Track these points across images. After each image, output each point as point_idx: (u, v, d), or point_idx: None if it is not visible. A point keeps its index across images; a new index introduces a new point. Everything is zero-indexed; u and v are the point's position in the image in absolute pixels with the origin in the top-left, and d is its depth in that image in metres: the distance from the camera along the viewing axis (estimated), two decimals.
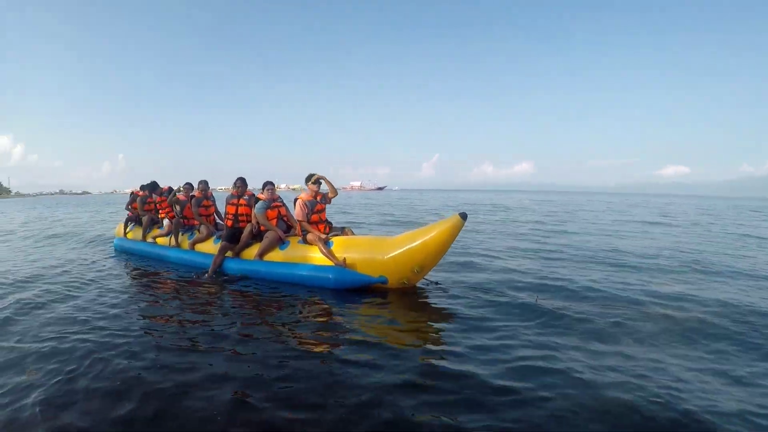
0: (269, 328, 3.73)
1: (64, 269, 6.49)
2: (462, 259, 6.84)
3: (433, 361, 3.03)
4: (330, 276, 4.72)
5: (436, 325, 3.77)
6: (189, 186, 7.02)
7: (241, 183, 5.97)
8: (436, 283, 5.13)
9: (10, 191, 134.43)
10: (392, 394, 2.55)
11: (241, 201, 5.89)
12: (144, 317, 4.12)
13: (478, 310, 4.08)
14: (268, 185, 5.62)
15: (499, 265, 6.34)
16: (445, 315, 4.02)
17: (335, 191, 5.40)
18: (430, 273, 5.11)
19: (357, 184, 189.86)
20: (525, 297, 4.49)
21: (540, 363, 2.94)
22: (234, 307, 4.40)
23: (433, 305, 4.37)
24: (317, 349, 3.28)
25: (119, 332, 3.63)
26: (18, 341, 3.53)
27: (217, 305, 4.49)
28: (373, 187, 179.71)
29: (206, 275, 5.58)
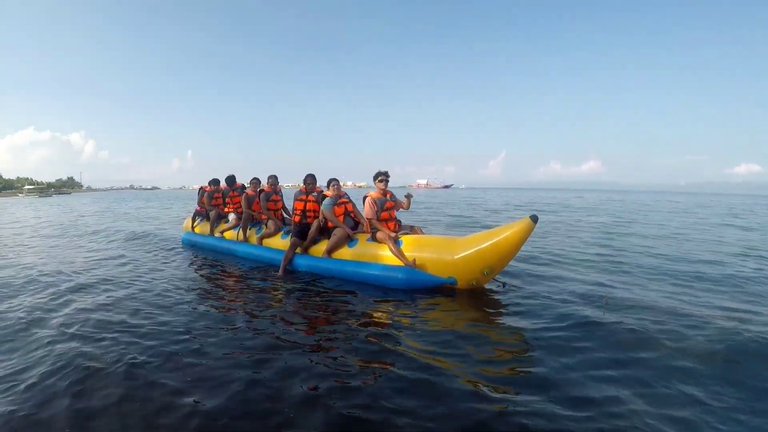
0: (336, 327, 3.74)
1: (131, 261, 6.88)
2: (529, 261, 6.64)
3: (511, 371, 2.90)
4: (400, 276, 4.71)
5: (507, 332, 3.64)
6: (257, 181, 7.27)
7: (310, 179, 6.06)
8: (504, 285, 4.99)
9: (81, 186, 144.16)
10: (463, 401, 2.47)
11: (310, 197, 5.97)
12: (209, 311, 4.21)
13: (545, 316, 3.92)
14: (333, 181, 5.71)
15: (566, 269, 6.10)
16: (514, 321, 3.87)
17: (409, 205, 5.50)
18: (498, 274, 4.97)
19: (423, 182, 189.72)
20: (592, 305, 4.24)
21: (607, 378, 2.77)
22: (301, 304, 4.44)
23: (501, 311, 4.20)
24: (389, 348, 3.23)
25: (182, 326, 3.74)
26: (76, 331, 3.66)
27: (284, 302, 4.55)
28: (439, 186, 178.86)
29: (279, 272, 5.69)
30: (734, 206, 28.22)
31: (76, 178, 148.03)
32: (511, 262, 5.13)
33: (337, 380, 2.74)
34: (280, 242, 6.33)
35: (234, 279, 5.70)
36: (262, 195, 6.75)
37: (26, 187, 71.50)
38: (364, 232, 5.54)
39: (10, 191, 78.08)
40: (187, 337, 3.51)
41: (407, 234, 5.23)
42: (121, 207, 26.74)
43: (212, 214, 7.87)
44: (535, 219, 4.34)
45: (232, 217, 7.50)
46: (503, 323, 3.88)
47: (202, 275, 5.91)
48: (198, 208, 8.56)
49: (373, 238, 5.25)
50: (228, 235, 7.43)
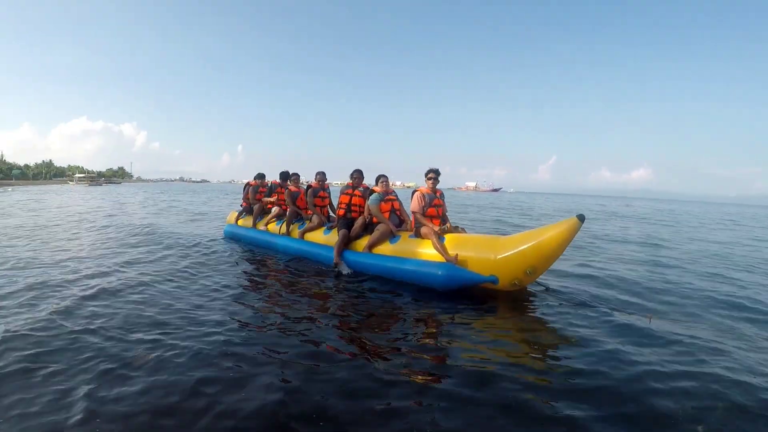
0: (371, 332, 3.63)
1: (174, 251, 7.01)
2: (575, 264, 6.54)
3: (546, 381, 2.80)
4: (440, 272, 4.66)
5: (545, 341, 3.52)
6: (297, 177, 7.45)
7: (357, 174, 6.14)
8: (546, 289, 4.93)
9: (132, 176, 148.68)
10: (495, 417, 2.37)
11: (356, 192, 6.03)
12: (243, 308, 4.14)
13: (588, 326, 3.78)
14: (382, 178, 5.79)
15: (613, 276, 5.92)
16: (554, 328, 3.78)
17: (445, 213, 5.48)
18: (541, 276, 4.95)
19: (472, 184, 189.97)
20: (637, 316, 4.15)
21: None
22: (337, 306, 4.35)
23: (542, 316, 4.14)
24: (430, 359, 3.10)
25: (214, 322, 3.66)
26: (120, 322, 3.62)
27: (320, 302, 4.45)
28: (488, 189, 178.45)
29: (334, 260, 5.69)
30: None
31: (127, 168, 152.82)
32: (558, 263, 5.05)
33: (366, 392, 2.57)
34: (322, 237, 6.37)
35: (272, 274, 5.76)
36: (309, 191, 6.78)
37: (77, 175, 75.00)
38: (407, 230, 5.56)
39: (61, 179, 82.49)
40: (218, 333, 3.41)
41: (451, 233, 5.21)
42: (165, 197, 27.60)
43: (256, 207, 8.01)
44: (582, 218, 4.23)
45: (275, 209, 7.64)
46: (547, 331, 3.77)
47: (241, 269, 5.92)
48: (243, 204, 8.67)
49: (417, 234, 5.24)
50: (271, 228, 7.52)
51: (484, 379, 2.77)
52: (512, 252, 4.50)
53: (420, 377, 2.79)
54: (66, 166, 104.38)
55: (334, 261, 5.68)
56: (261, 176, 8.40)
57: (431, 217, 5.29)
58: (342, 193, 6.13)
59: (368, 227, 5.81)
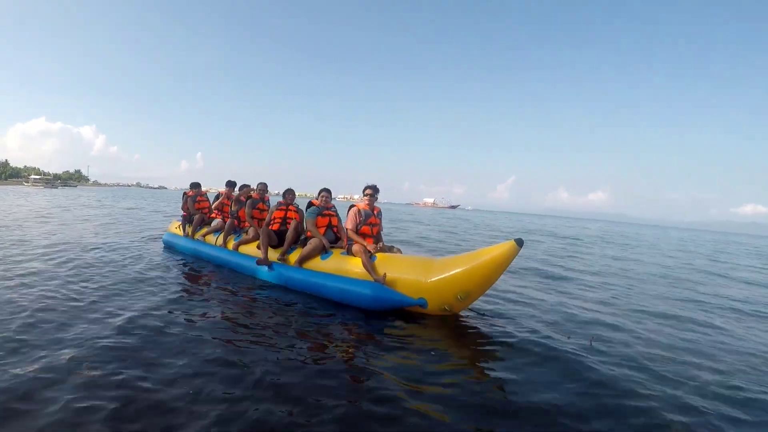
0: (293, 344, 3.54)
1: (111, 259, 6.72)
2: (518, 288, 6.36)
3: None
4: (367, 292, 4.43)
5: (465, 365, 3.38)
6: (247, 188, 7.15)
7: (290, 194, 6.11)
8: (482, 314, 4.71)
9: (88, 179, 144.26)
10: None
11: (291, 207, 5.95)
12: (172, 313, 4.09)
13: (524, 353, 3.59)
14: (324, 192, 5.54)
15: (558, 301, 5.73)
16: (480, 353, 3.61)
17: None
18: (477, 301, 4.74)
19: (430, 201, 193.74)
20: (579, 341, 4.01)
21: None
22: (261, 318, 4.21)
23: (469, 341, 3.92)
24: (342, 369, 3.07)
25: (140, 331, 3.57)
26: (56, 332, 3.48)
27: (248, 310, 4.43)
28: (446, 205, 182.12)
29: (261, 259, 5.69)
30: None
31: (84, 172, 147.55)
32: (498, 286, 4.86)
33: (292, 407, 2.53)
34: (257, 251, 6.06)
35: (201, 283, 5.59)
36: (249, 201, 6.57)
37: (32, 176, 71.82)
38: (342, 247, 5.31)
39: (16, 179, 78.46)
40: (141, 339, 3.38)
41: (384, 252, 4.98)
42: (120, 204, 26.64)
43: (196, 218, 7.72)
44: (520, 243, 4.02)
45: (215, 222, 7.38)
46: (472, 354, 3.61)
47: (172, 278, 5.72)
48: (183, 213, 8.36)
49: (349, 252, 5.00)
50: (208, 239, 7.27)
51: (401, 398, 2.68)
52: (443, 275, 4.29)
53: (335, 395, 2.70)
54: (22, 167, 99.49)
55: (261, 259, 5.69)
56: (197, 185, 8.29)
57: (365, 235, 5.09)
58: (276, 208, 6.01)
59: (303, 242, 5.56)
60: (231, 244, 6.61)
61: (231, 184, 7.53)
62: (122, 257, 6.96)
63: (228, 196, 7.40)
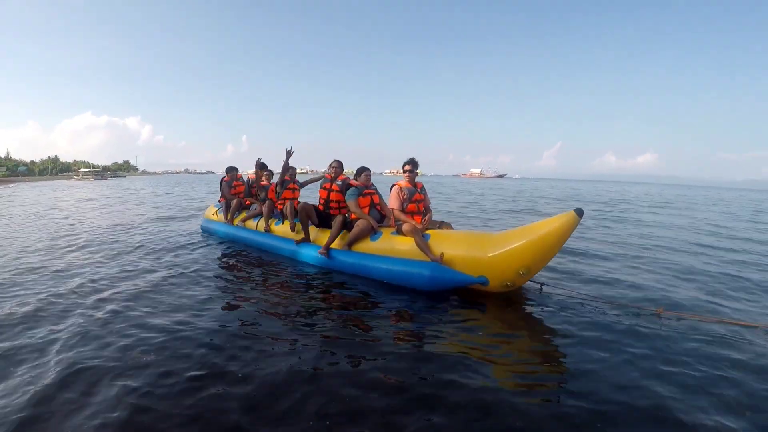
0: (354, 329, 3.43)
1: (150, 245, 6.87)
2: (573, 258, 6.07)
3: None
4: (425, 272, 4.25)
5: (542, 344, 3.28)
6: (267, 170, 7.34)
7: (337, 165, 5.76)
8: (541, 287, 4.50)
9: (137, 169, 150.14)
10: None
11: (334, 186, 5.64)
12: (215, 308, 3.91)
13: (592, 325, 3.52)
14: (364, 171, 5.34)
15: (614, 269, 5.59)
16: (549, 330, 3.49)
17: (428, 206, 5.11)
18: (536, 274, 4.46)
19: (477, 171, 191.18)
20: (642, 317, 3.76)
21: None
22: (313, 300, 4.18)
23: (539, 317, 3.81)
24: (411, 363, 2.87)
25: (189, 319, 3.55)
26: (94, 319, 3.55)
27: (296, 295, 4.32)
28: (493, 175, 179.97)
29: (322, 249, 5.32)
30: None
31: (132, 162, 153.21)
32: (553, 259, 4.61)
33: (349, 396, 2.44)
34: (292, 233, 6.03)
35: (244, 269, 5.50)
36: (280, 182, 6.54)
37: (82, 169, 75.74)
38: (389, 226, 5.13)
39: (66, 173, 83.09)
40: (187, 329, 3.33)
41: (434, 229, 4.77)
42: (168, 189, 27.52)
43: (233, 202, 7.53)
44: (580, 213, 3.80)
45: (254, 206, 7.30)
46: (539, 335, 3.46)
47: (211, 265, 5.63)
48: (221, 199, 8.16)
49: (399, 231, 4.79)
50: (249, 224, 7.08)
51: (474, 383, 2.57)
52: (503, 250, 4.07)
53: (397, 379, 2.62)
54: (71, 161, 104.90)
55: (319, 251, 5.35)
56: (233, 169, 8.07)
57: (411, 213, 4.88)
58: (320, 187, 5.79)
59: (347, 225, 5.35)
60: (271, 227, 6.51)
61: (261, 166, 7.40)
62: (160, 245, 7.00)
63: (259, 179, 7.39)
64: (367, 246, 5.02)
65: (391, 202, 4.90)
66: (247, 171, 7.85)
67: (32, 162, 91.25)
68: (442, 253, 4.31)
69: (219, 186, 8.22)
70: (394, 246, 4.75)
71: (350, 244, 5.13)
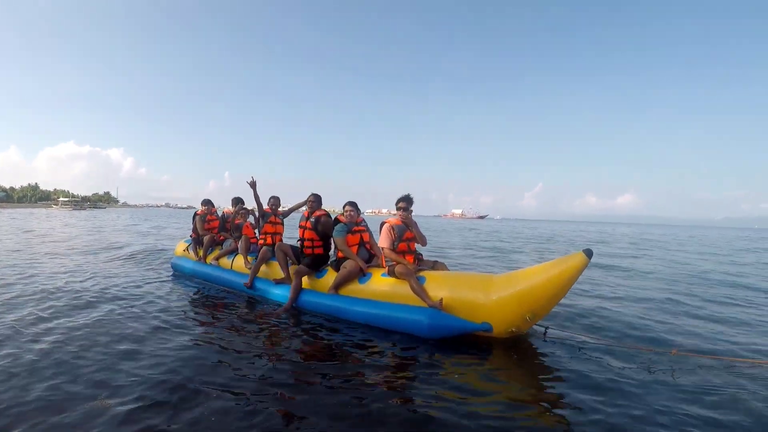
0: (341, 384, 2.98)
1: (122, 285, 6.20)
2: (571, 298, 5.73)
3: None
4: (423, 320, 3.85)
5: (553, 394, 2.93)
6: (243, 209, 6.69)
7: (313, 199, 5.30)
8: (546, 330, 4.13)
9: (117, 201, 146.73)
10: None
11: (308, 224, 5.16)
12: (193, 351, 3.55)
13: (598, 373, 3.19)
14: (348, 206, 4.90)
15: (620, 308, 5.44)
16: (563, 377, 3.16)
17: (423, 240, 4.62)
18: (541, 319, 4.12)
19: (458, 211, 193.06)
20: (656, 360, 3.53)
21: None
22: (301, 350, 3.73)
23: (548, 364, 3.46)
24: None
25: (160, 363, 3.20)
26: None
27: (280, 343, 3.90)
28: (474, 216, 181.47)
29: (284, 308, 4.90)
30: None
31: (113, 193, 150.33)
32: None
33: None
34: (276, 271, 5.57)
35: (219, 309, 5.07)
36: (261, 216, 6.04)
37: (61, 199, 73.94)
38: (378, 266, 4.74)
39: (45, 202, 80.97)
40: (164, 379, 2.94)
41: (426, 270, 4.40)
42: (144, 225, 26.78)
43: (206, 239, 6.98)
44: (589, 254, 3.55)
45: (229, 242, 6.72)
46: (553, 383, 3.11)
47: (185, 305, 5.18)
48: (192, 234, 7.61)
49: (391, 273, 4.39)
50: (223, 263, 6.53)
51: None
52: (508, 294, 3.74)
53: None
54: (52, 190, 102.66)
55: (286, 307, 4.89)
56: (208, 202, 7.45)
57: (403, 253, 4.47)
58: (299, 225, 5.32)
59: (321, 261, 5.04)
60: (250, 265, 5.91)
61: (239, 201, 6.96)
62: (128, 288, 6.22)
63: (236, 215, 6.82)
64: (356, 289, 4.60)
65: (382, 241, 4.50)
66: (224, 207, 7.30)
67: (11, 188, 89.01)
68: (441, 299, 3.92)
69: (192, 221, 7.60)
70: (387, 290, 4.35)
71: (337, 286, 4.70)
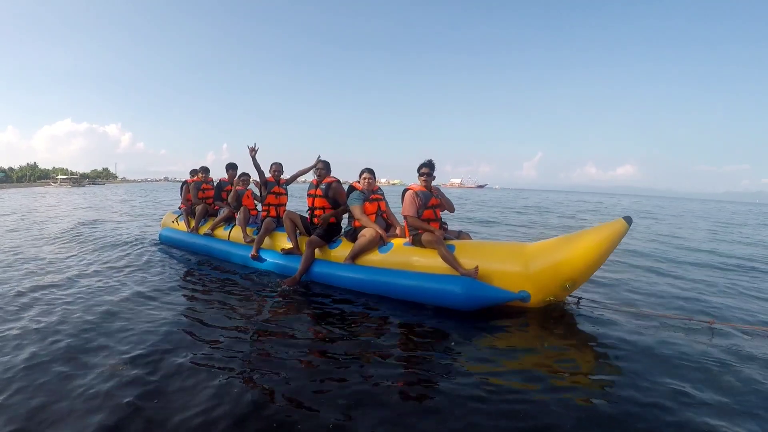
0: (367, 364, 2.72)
1: (105, 261, 5.75)
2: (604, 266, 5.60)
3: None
4: (457, 289, 3.56)
5: (589, 365, 2.83)
6: (244, 175, 6.15)
7: (322, 166, 4.87)
8: (579, 300, 3.96)
9: (116, 176, 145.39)
10: None
11: (318, 191, 4.81)
12: (196, 329, 3.27)
13: (632, 343, 3.06)
14: (365, 173, 4.57)
15: (653, 276, 5.42)
16: (603, 345, 3.05)
17: (452, 206, 4.37)
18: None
19: (457, 181, 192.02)
20: (692, 329, 3.42)
21: None
22: (317, 325, 3.44)
23: (586, 333, 3.31)
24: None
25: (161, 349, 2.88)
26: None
27: (292, 321, 3.53)
28: (473, 185, 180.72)
29: (292, 280, 4.51)
30: None
31: (111, 169, 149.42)
32: None
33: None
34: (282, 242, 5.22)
35: (220, 285, 4.64)
36: (263, 185, 5.57)
37: (60, 176, 73.70)
38: (396, 235, 4.49)
39: (45, 180, 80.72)
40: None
41: (457, 240, 4.15)
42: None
43: (199, 208, 6.50)
44: (629, 221, 3.48)
45: (224, 210, 6.28)
46: (591, 352, 3.01)
47: (186, 281, 4.79)
48: (182, 206, 7.06)
49: (416, 242, 4.12)
50: (219, 233, 6.13)
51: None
52: (547, 262, 3.56)
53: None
54: (51, 168, 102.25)
55: (296, 278, 4.53)
56: (204, 170, 6.90)
57: (428, 221, 4.17)
58: (306, 194, 5.00)
59: (349, 233, 4.63)
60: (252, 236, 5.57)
61: (232, 167, 6.58)
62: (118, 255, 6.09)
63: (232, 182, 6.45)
64: (376, 259, 4.32)
65: (406, 208, 4.19)
66: (225, 177, 6.70)
67: (10, 168, 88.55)
68: (477, 267, 3.66)
69: (180, 191, 7.13)
70: (413, 259, 4.08)
71: (354, 256, 4.41)
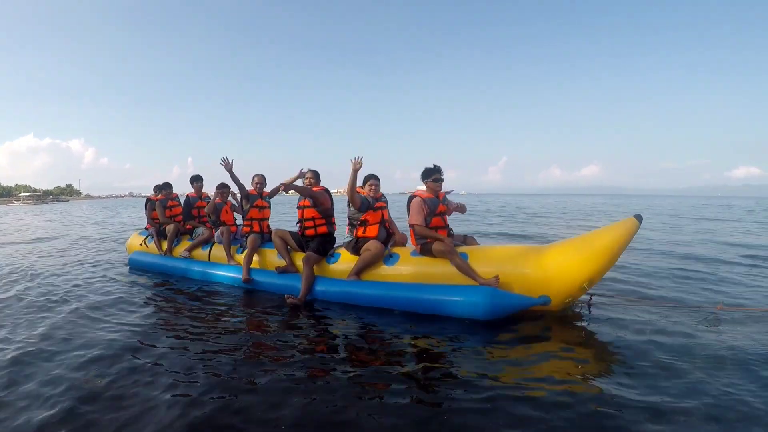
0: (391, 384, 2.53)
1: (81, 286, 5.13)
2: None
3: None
4: (479, 300, 3.43)
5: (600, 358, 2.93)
6: (224, 187, 5.64)
7: (312, 175, 4.73)
8: (591, 297, 3.99)
9: (80, 193, 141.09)
10: None
11: (306, 202, 4.60)
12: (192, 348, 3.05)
13: (659, 328, 3.30)
14: (371, 179, 4.38)
15: (646, 270, 5.67)
16: (619, 338, 3.15)
17: (463, 207, 4.41)
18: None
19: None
20: (701, 316, 3.63)
21: None
22: (332, 344, 3.24)
23: (601, 329, 3.39)
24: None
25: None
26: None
27: (295, 342, 3.24)
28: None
29: (298, 297, 4.15)
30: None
31: (75, 186, 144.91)
32: None
33: None
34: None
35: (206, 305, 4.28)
36: (246, 198, 5.21)
37: (22, 194, 70.95)
38: (397, 245, 4.37)
39: (7, 198, 77.41)
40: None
41: (467, 246, 4.07)
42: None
43: (171, 228, 6.02)
44: (639, 219, 3.58)
45: (201, 230, 5.86)
46: (609, 347, 3.07)
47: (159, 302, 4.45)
48: (148, 226, 6.58)
49: (423, 252, 3.98)
50: (197, 255, 5.68)
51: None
52: (564, 264, 3.57)
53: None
54: (13, 186, 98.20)
55: (299, 298, 4.16)
56: (167, 186, 6.45)
57: (436, 229, 4.04)
58: (297, 206, 4.77)
59: (350, 245, 4.41)
60: (235, 257, 5.22)
61: (197, 179, 6.16)
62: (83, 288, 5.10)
63: (200, 196, 6.11)
64: (383, 273, 4.14)
65: (413, 217, 4.03)
66: (191, 192, 6.26)
67: None
68: (497, 276, 3.57)
69: (144, 209, 6.60)
70: (423, 270, 3.95)
71: (359, 272, 4.18)
